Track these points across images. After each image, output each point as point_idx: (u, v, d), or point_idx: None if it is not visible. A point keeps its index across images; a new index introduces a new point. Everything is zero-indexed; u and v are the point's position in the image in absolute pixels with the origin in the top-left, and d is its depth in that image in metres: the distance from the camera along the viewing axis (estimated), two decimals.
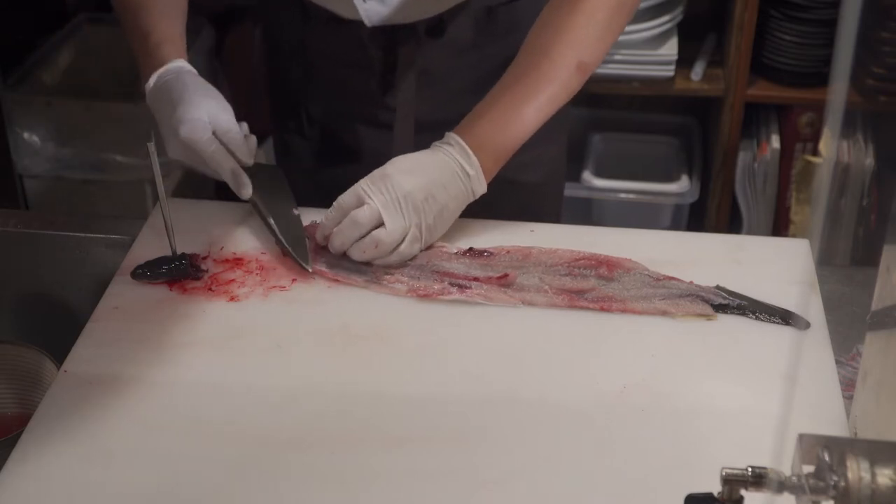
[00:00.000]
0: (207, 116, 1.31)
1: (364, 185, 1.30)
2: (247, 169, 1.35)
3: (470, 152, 1.32)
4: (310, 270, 1.30)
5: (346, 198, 1.30)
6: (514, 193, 1.53)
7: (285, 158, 1.66)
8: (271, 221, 1.35)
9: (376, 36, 1.47)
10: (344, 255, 1.31)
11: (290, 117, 1.61)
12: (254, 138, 1.38)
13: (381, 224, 1.28)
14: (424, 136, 1.50)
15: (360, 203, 1.29)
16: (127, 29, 1.43)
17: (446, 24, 1.47)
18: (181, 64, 1.37)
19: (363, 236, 1.29)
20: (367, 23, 1.44)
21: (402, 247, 1.29)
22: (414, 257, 1.31)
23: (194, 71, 1.38)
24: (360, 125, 1.56)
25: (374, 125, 1.55)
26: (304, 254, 1.31)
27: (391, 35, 1.47)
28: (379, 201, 1.28)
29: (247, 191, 1.35)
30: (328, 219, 1.31)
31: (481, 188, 1.33)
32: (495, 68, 1.41)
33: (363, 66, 1.50)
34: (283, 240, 1.33)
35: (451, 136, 1.34)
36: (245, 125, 1.37)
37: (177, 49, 1.39)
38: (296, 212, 1.37)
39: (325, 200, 1.35)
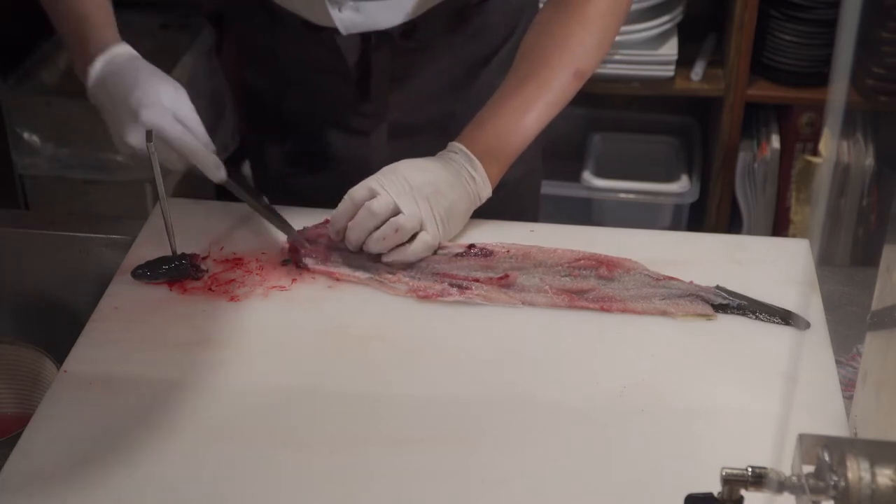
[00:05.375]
0: (168, 102, 1.27)
1: (375, 179, 1.30)
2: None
3: (475, 159, 1.33)
4: (306, 247, 1.32)
5: (357, 191, 1.30)
6: (496, 191, 1.52)
7: (259, 164, 1.66)
8: (264, 199, 1.36)
9: (350, 42, 1.46)
10: (348, 254, 1.31)
11: (262, 123, 1.61)
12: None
13: (396, 213, 1.28)
14: (401, 140, 1.50)
15: (373, 195, 1.29)
16: (58, 20, 1.37)
17: (419, 27, 1.46)
18: (127, 49, 1.33)
19: (378, 227, 1.29)
20: (343, 31, 1.43)
21: (421, 235, 1.29)
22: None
23: (141, 57, 1.33)
24: (334, 130, 1.55)
25: (348, 130, 1.54)
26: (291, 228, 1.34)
27: (365, 41, 1.46)
28: (392, 191, 1.28)
29: (218, 173, 1.30)
30: (340, 213, 1.31)
31: (487, 192, 1.35)
32: (467, 69, 1.41)
33: (336, 72, 1.49)
34: (265, 214, 1.35)
35: (455, 145, 1.35)
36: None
37: (116, 35, 1.34)
38: (265, 199, 1.38)
39: (298, 206, 1.35)
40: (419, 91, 1.52)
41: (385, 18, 1.43)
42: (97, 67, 1.30)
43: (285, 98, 1.56)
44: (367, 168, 1.34)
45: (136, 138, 1.27)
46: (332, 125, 1.55)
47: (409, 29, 1.45)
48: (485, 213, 1.40)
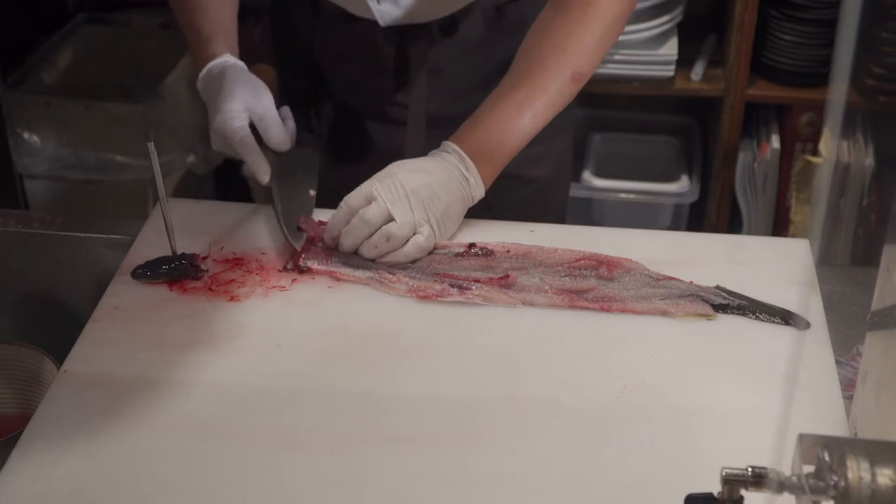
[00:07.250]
0: (243, 105, 1.35)
1: (371, 184, 1.30)
2: (282, 153, 1.37)
3: (468, 159, 1.33)
4: (297, 248, 1.31)
5: (353, 197, 1.31)
6: (523, 188, 1.53)
7: None
8: (276, 201, 1.35)
9: (389, 35, 1.48)
10: (348, 254, 1.31)
11: (298, 115, 1.62)
12: (292, 123, 1.40)
13: (389, 220, 1.28)
14: (433, 132, 1.51)
15: (369, 202, 1.29)
16: (182, 24, 1.47)
17: (458, 22, 1.48)
18: (227, 58, 1.41)
19: (372, 234, 1.29)
20: (382, 23, 1.45)
21: (414, 238, 1.29)
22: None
23: (240, 64, 1.42)
24: (371, 122, 1.57)
25: (385, 122, 1.56)
26: (295, 233, 1.33)
27: (404, 34, 1.48)
28: (387, 198, 1.29)
29: (263, 177, 1.36)
30: (336, 219, 1.32)
31: (479, 193, 1.35)
32: (503, 65, 1.42)
33: (375, 64, 1.51)
34: (279, 216, 1.33)
35: (448, 145, 1.35)
36: (286, 109, 1.41)
37: (225, 43, 1.43)
38: (312, 192, 1.38)
39: (333, 198, 1.35)
40: (454, 84, 1.53)
41: (424, 13, 1.45)
42: (201, 76, 1.42)
43: (322, 88, 1.57)
44: (402, 159, 1.34)
45: (215, 143, 1.39)
46: (368, 116, 1.57)
47: (447, 24, 1.47)
48: (513, 209, 1.40)
